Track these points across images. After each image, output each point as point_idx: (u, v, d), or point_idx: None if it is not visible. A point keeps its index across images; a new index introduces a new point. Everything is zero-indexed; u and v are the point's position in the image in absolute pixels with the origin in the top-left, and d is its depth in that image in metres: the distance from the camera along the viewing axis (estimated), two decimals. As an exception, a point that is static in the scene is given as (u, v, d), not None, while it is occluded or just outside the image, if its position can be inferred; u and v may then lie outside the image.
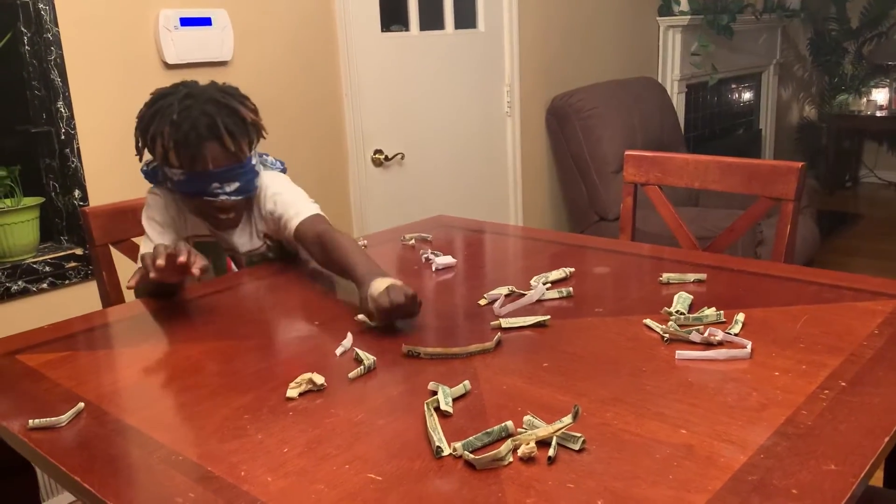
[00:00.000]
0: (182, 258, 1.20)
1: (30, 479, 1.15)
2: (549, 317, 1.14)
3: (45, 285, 1.90)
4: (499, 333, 1.09)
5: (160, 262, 1.20)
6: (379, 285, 1.12)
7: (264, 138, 1.44)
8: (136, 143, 1.41)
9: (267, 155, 1.59)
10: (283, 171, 1.59)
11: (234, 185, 1.38)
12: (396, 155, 2.64)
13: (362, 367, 1.00)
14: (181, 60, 2.05)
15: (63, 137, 1.90)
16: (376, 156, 2.60)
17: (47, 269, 1.90)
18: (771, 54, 4.76)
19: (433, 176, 2.82)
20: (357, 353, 1.04)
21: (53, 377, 1.02)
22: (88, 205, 1.94)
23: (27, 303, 1.88)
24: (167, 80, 2.04)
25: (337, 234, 1.35)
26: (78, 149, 1.93)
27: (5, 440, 1.02)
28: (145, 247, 1.45)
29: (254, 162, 1.43)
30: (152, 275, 1.20)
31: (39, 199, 1.92)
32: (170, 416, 0.90)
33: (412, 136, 2.72)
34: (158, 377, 1.02)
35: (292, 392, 0.94)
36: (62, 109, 1.89)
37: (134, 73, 1.99)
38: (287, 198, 1.47)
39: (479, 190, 3.00)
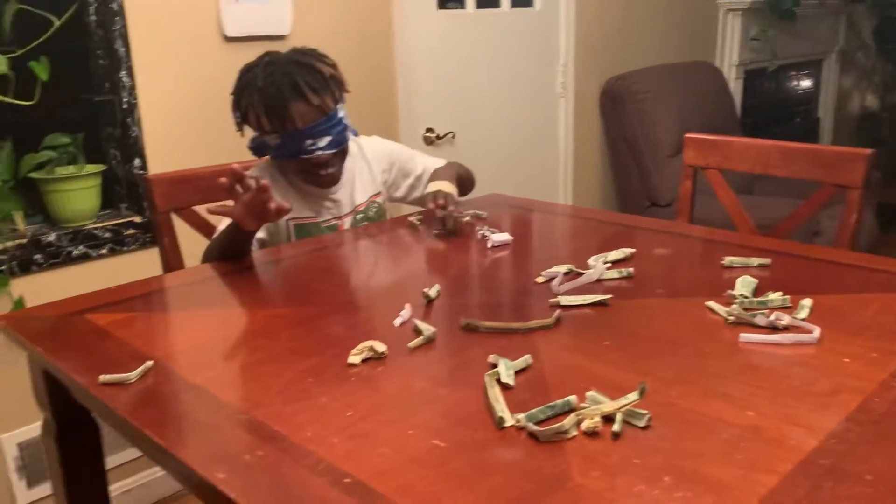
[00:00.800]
0: (272, 205, 1.26)
1: (93, 435, 1.19)
2: (609, 296, 1.13)
3: (104, 251, 1.94)
4: (558, 310, 1.09)
5: (264, 182, 1.25)
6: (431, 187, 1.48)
7: (348, 91, 1.52)
8: (236, 120, 1.50)
9: None
10: (356, 134, 1.65)
11: (327, 139, 1.45)
12: (448, 134, 2.63)
13: (422, 337, 1.01)
14: (240, 34, 2.07)
15: (125, 106, 1.93)
16: (427, 134, 2.59)
17: (107, 235, 1.95)
18: (833, 41, 4.61)
19: (483, 155, 2.80)
20: (416, 324, 1.05)
21: (121, 336, 1.05)
22: (148, 173, 1.98)
23: (87, 267, 1.93)
24: (226, 53, 2.07)
25: (453, 164, 1.65)
26: (139, 118, 1.96)
27: (74, 395, 1.06)
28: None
29: (341, 115, 1.49)
30: (246, 197, 1.25)
31: (101, 167, 1.97)
32: (235, 377, 0.92)
33: (463, 115, 2.70)
34: (223, 340, 1.04)
35: (354, 358, 0.95)
36: (124, 79, 1.92)
37: (194, 44, 2.01)
38: (412, 162, 1.67)
39: (529, 171, 2.98)
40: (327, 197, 1.59)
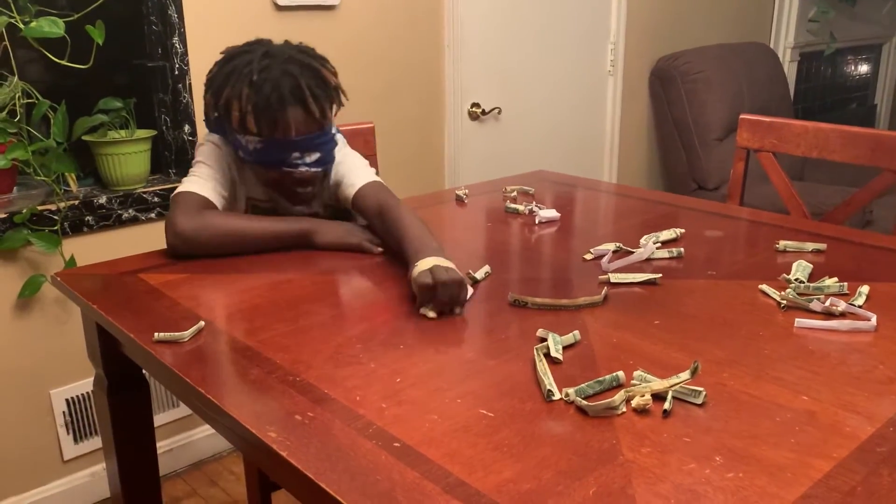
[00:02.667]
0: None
1: (143, 392, 1.22)
2: (659, 275, 1.12)
3: (153, 215, 1.98)
4: (606, 288, 1.08)
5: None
6: (423, 265, 1.02)
7: (343, 105, 1.31)
8: (205, 106, 1.30)
9: None
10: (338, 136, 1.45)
11: (315, 156, 1.27)
12: (493, 109, 2.61)
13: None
14: (292, 3, 2.07)
15: (177, 73, 1.95)
16: (473, 109, 2.58)
17: (156, 199, 1.98)
18: (895, 26, 4.46)
19: (528, 132, 2.78)
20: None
21: (173, 296, 1.07)
22: (197, 139, 2.00)
23: (136, 230, 1.96)
24: (277, 22, 2.08)
25: (401, 209, 1.23)
26: (190, 85, 1.98)
27: (128, 351, 1.08)
28: (186, 185, 1.29)
29: (334, 130, 1.33)
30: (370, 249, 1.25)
31: (152, 132, 1.99)
32: (286, 339, 0.93)
33: (510, 91, 2.68)
34: (272, 303, 1.05)
35: (429, 312, 1.00)
36: (177, 45, 1.94)
37: (246, 13, 2.02)
38: (347, 164, 1.36)
39: (574, 149, 2.95)
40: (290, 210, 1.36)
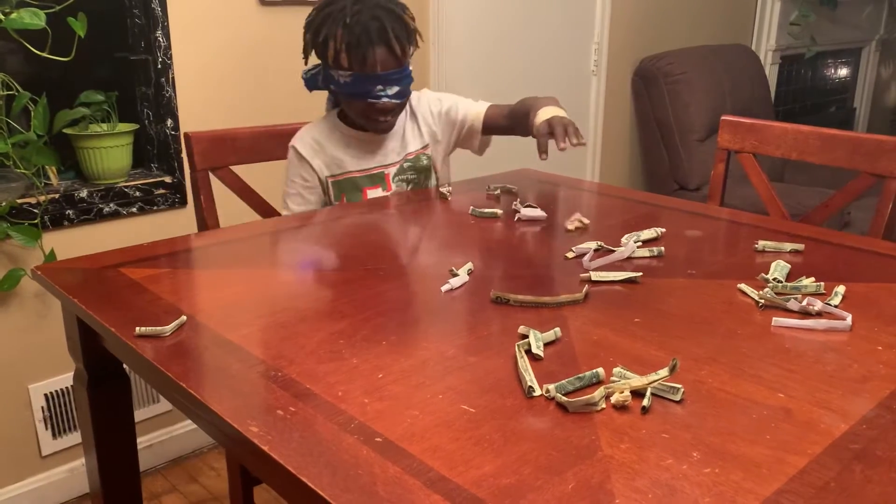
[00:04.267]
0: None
1: (123, 386, 1.21)
2: (640, 274, 1.13)
3: (134, 209, 1.97)
4: (587, 286, 1.09)
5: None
6: (542, 115, 1.44)
7: (419, 47, 1.56)
8: (305, 46, 1.53)
9: None
10: None
11: (396, 89, 1.49)
12: (478, 107, 2.61)
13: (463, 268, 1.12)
14: (277, -3, 2.07)
15: (159, 66, 1.94)
16: (458, 107, 2.58)
17: (137, 194, 1.97)
18: (874, 29, 4.52)
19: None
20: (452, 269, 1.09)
21: (155, 291, 1.06)
22: (180, 134, 1.99)
23: (117, 225, 1.95)
24: (261, 16, 2.07)
25: (527, 100, 1.56)
26: (173, 78, 1.97)
27: (109, 346, 1.07)
28: (291, 206, 1.60)
29: (411, 68, 1.54)
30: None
31: (134, 126, 1.98)
32: (268, 334, 0.93)
33: (496, 91, 2.66)
34: (256, 298, 1.05)
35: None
36: (160, 39, 1.93)
37: (230, 7, 2.01)
38: (453, 98, 1.68)
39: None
40: (379, 144, 1.61)
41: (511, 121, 1.61)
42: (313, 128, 1.62)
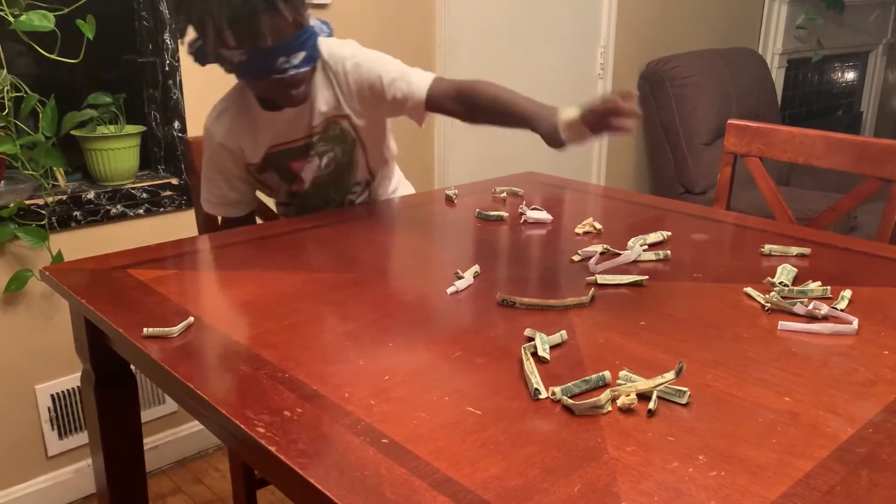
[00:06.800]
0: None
1: (130, 387, 1.21)
2: (646, 277, 1.13)
3: (141, 211, 1.97)
4: (593, 289, 1.09)
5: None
6: (569, 112, 1.12)
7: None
8: (178, 24, 1.28)
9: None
10: (330, 33, 1.44)
11: (301, 55, 1.25)
12: (484, 110, 2.61)
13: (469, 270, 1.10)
14: None
15: (167, 69, 1.95)
16: (464, 110, 2.58)
17: (144, 195, 1.98)
18: (881, 33, 4.51)
19: (518, 133, 2.78)
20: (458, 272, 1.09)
21: (163, 292, 1.07)
22: (187, 136, 2.00)
23: (124, 226, 1.96)
24: (269, 18, 2.07)
25: (480, 84, 1.28)
26: (180, 81, 1.98)
27: (116, 347, 1.08)
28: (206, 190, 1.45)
29: (312, 23, 1.30)
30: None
31: (141, 128, 1.99)
32: (275, 336, 0.93)
33: (501, 93, 2.69)
34: (262, 300, 1.05)
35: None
36: (168, 41, 1.94)
37: (238, 9, 2.02)
38: (381, 64, 1.35)
39: (563, 151, 2.96)
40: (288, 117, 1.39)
41: (466, 107, 1.33)
42: (227, 112, 1.42)
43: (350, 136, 1.43)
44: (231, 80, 1.41)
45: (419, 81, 1.35)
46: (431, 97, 1.33)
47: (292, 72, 1.26)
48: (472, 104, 1.31)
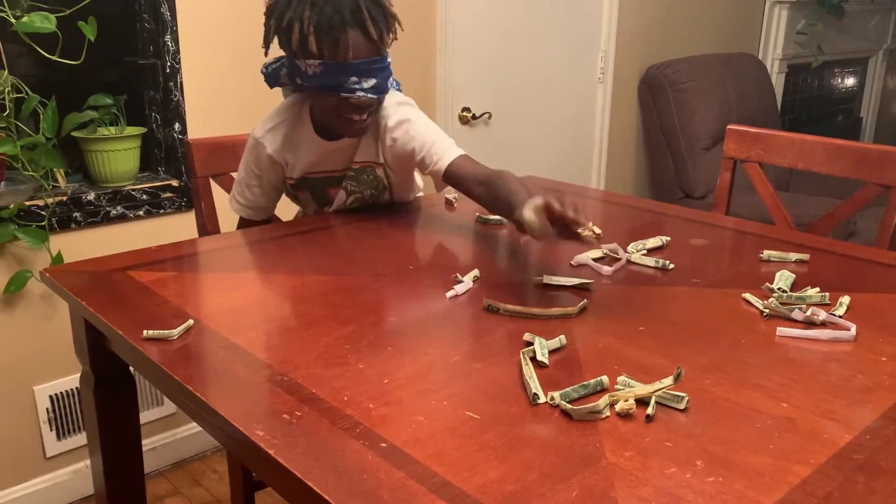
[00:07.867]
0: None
1: (129, 389, 1.22)
2: (591, 281, 1.13)
3: (141, 212, 1.98)
4: (584, 300, 1.07)
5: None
6: (529, 205, 1.10)
7: (397, 38, 1.34)
8: (266, 32, 1.34)
9: None
10: (398, 89, 1.51)
11: (372, 82, 1.30)
12: (484, 114, 2.62)
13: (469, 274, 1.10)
14: (285, 3, 2.08)
15: (168, 71, 1.95)
16: (463, 113, 2.59)
17: (144, 197, 1.98)
18: (882, 39, 4.51)
19: (518, 137, 2.80)
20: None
21: (162, 294, 1.07)
22: (188, 138, 2.00)
23: (124, 228, 1.96)
24: (270, 21, 2.08)
25: (504, 173, 1.28)
26: (181, 83, 1.98)
27: (116, 348, 1.08)
28: (239, 192, 1.49)
29: (389, 60, 1.35)
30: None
31: (141, 130, 1.99)
32: (274, 339, 0.94)
33: (501, 96, 2.69)
34: (262, 303, 1.06)
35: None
36: (169, 43, 1.94)
37: (238, 12, 2.03)
38: (421, 129, 1.39)
39: (563, 155, 2.97)
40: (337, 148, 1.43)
41: (485, 192, 1.31)
42: (281, 126, 1.45)
43: (382, 182, 1.50)
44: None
45: (445, 154, 1.37)
46: (450, 173, 1.37)
47: (360, 94, 1.29)
48: (493, 197, 1.28)
